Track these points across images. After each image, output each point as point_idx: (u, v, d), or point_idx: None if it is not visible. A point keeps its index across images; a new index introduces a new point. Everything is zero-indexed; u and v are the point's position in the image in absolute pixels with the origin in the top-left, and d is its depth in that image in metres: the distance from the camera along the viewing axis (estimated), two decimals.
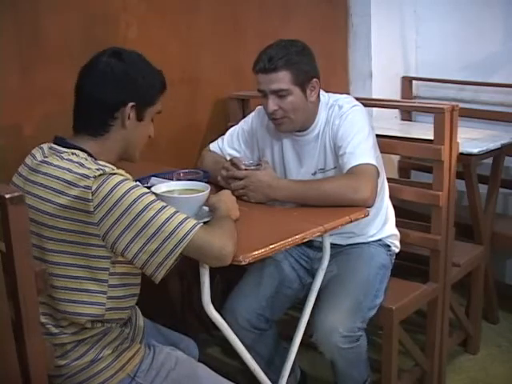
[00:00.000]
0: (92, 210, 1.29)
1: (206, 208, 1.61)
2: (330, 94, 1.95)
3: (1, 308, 1.10)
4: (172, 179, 1.81)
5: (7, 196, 1.07)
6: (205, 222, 1.44)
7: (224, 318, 1.55)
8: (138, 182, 1.37)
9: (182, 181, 1.75)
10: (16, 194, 1.08)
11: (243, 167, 1.84)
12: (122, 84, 1.41)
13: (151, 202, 1.32)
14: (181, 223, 1.32)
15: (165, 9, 2.27)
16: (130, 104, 1.42)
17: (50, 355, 1.33)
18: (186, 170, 1.86)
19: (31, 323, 1.14)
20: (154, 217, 1.30)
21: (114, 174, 1.33)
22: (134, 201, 1.30)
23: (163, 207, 1.33)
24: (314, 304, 1.80)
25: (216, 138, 2.14)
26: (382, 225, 2.01)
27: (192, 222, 1.34)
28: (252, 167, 1.85)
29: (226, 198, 1.60)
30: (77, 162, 1.35)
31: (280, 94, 1.79)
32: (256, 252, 1.42)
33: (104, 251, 1.33)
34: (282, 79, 1.78)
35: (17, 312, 1.13)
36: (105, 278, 1.36)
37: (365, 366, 1.90)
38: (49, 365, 1.27)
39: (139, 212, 1.30)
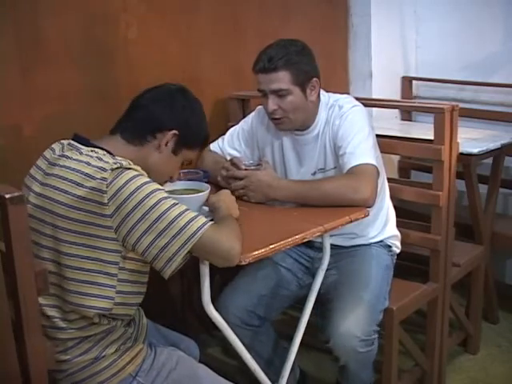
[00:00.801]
0: (106, 201, 1.31)
1: (206, 208, 1.61)
2: (330, 94, 1.95)
3: (1, 308, 1.10)
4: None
5: (7, 196, 1.07)
6: None
7: None
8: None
9: (181, 181, 1.75)
10: (16, 193, 1.09)
11: (243, 167, 1.84)
12: (175, 111, 1.50)
13: (164, 198, 1.35)
14: (191, 220, 1.34)
15: (165, 9, 2.27)
16: (174, 131, 1.48)
17: (50, 355, 1.33)
18: (186, 170, 1.86)
19: (31, 323, 1.14)
20: (165, 212, 1.33)
21: (130, 168, 1.36)
22: (147, 195, 1.33)
23: (175, 204, 1.35)
24: (326, 309, 1.80)
25: (216, 138, 2.14)
26: (383, 225, 2.01)
27: (202, 220, 1.36)
28: (252, 167, 1.85)
29: (226, 198, 1.60)
30: (95, 157, 1.38)
31: (280, 93, 1.79)
32: (256, 252, 1.42)
33: (115, 245, 1.35)
34: (282, 79, 1.78)
35: (17, 312, 1.14)
36: (115, 271, 1.37)
37: (372, 368, 1.90)
38: (49, 364, 1.27)
39: (151, 206, 1.32)
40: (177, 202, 1.37)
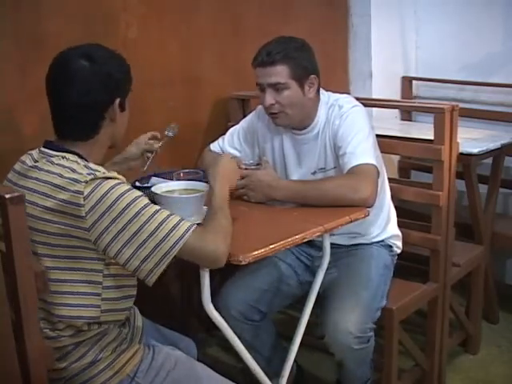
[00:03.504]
0: (83, 214, 1.29)
1: (205, 208, 1.61)
2: (330, 94, 1.95)
3: (1, 308, 1.10)
4: (172, 179, 1.81)
5: (7, 196, 1.07)
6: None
7: (217, 309, 1.55)
8: (130, 186, 1.36)
9: (181, 181, 1.75)
10: (16, 194, 1.09)
11: (243, 167, 1.84)
12: (107, 85, 1.41)
13: (144, 207, 1.31)
14: (174, 228, 1.32)
15: (165, 9, 2.27)
16: (117, 101, 1.43)
17: (50, 355, 1.33)
18: (186, 170, 1.86)
19: (31, 323, 1.14)
20: (146, 222, 1.30)
21: (106, 178, 1.32)
22: (127, 205, 1.30)
23: (156, 211, 1.32)
24: (323, 306, 1.81)
25: (216, 138, 2.14)
26: (385, 225, 2.01)
27: (185, 225, 1.34)
28: (252, 167, 1.85)
29: (223, 171, 1.55)
30: (68, 167, 1.34)
31: (277, 87, 1.80)
32: (256, 252, 1.42)
33: (96, 253, 1.33)
34: (280, 73, 1.79)
35: (17, 312, 1.14)
36: (99, 279, 1.36)
37: (369, 366, 1.91)
38: (49, 364, 1.27)
39: (132, 217, 1.29)
40: (158, 208, 1.33)
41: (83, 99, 1.38)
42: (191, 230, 1.33)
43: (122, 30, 2.14)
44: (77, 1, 2.02)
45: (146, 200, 1.34)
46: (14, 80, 1.89)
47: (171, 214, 1.34)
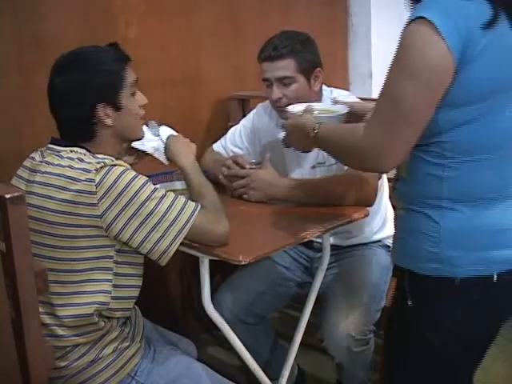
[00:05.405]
0: (96, 202, 1.31)
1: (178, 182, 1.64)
2: (333, 89, 1.96)
3: (1, 308, 1.10)
4: (173, 179, 1.81)
5: (7, 196, 1.07)
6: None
7: None
8: (136, 173, 1.38)
9: (180, 181, 1.75)
10: (16, 193, 1.09)
11: (248, 166, 1.84)
12: (82, 95, 1.39)
13: (153, 192, 1.36)
14: (181, 209, 1.37)
15: (165, 8, 2.27)
16: (101, 106, 1.40)
17: (50, 355, 1.33)
18: None
19: (31, 323, 1.14)
20: (156, 206, 1.35)
21: (115, 165, 1.35)
22: (138, 191, 1.33)
23: (163, 196, 1.37)
24: (322, 307, 1.81)
25: (216, 138, 2.14)
26: (382, 225, 2.01)
27: (191, 206, 1.39)
28: (253, 166, 1.85)
29: (179, 147, 1.59)
30: (76, 158, 1.37)
31: (285, 81, 1.80)
32: (256, 252, 1.42)
33: (108, 240, 1.36)
34: (287, 67, 1.79)
35: (17, 312, 1.13)
36: (110, 266, 1.38)
37: (369, 367, 1.91)
38: (49, 364, 1.27)
39: (143, 202, 1.33)
40: (164, 192, 1.38)
41: (63, 112, 1.42)
42: (197, 210, 1.40)
43: (121, 29, 2.14)
44: (77, 1, 2.02)
45: (152, 185, 1.38)
46: (14, 80, 1.89)
47: (176, 197, 1.39)
